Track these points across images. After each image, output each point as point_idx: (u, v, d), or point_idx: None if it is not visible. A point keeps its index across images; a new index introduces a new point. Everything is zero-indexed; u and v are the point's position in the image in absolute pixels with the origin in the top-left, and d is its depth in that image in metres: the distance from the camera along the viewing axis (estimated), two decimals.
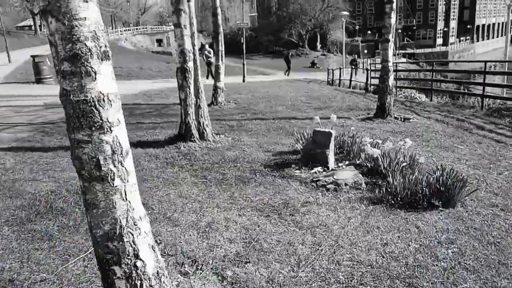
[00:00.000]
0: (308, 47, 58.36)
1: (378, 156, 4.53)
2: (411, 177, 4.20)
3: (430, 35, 74.60)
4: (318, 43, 59.92)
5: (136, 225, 2.12)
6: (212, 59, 18.91)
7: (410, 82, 16.80)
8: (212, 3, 10.80)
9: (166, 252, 3.13)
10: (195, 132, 6.45)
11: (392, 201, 3.99)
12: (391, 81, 8.50)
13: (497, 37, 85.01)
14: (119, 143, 2.03)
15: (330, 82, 24.44)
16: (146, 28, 66.54)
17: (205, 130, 6.55)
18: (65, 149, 6.38)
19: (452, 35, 76.89)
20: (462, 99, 11.46)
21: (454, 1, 77.20)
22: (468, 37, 76.53)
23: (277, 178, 4.75)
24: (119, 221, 2.07)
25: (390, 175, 4.22)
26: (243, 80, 22.19)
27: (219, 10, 10.71)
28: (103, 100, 1.96)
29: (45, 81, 17.48)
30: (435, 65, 13.20)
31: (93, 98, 1.93)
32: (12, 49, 29.59)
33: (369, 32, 73.49)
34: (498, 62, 21.56)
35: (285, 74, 30.11)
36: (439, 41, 74.49)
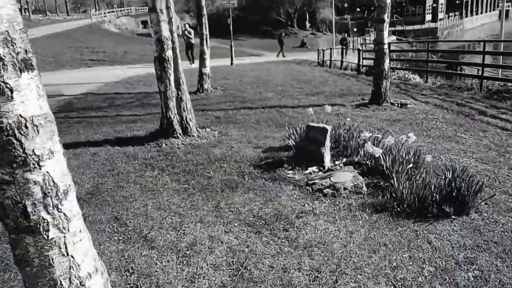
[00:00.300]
0: (297, 26, 57.22)
1: (380, 155, 4.05)
2: (418, 179, 3.75)
3: (419, 11, 73.72)
4: (307, 22, 58.75)
5: (83, 285, 1.62)
6: (193, 40, 17.98)
7: (403, 62, 16.29)
8: None
9: (139, 286, 2.66)
10: (177, 127, 5.91)
11: (398, 208, 3.54)
12: (386, 64, 7.99)
13: (486, 12, 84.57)
14: (53, 181, 1.52)
15: (321, 63, 23.83)
16: (130, 9, 64.66)
17: (188, 125, 6.00)
18: None
19: (441, 11, 76.19)
20: (459, 81, 11.02)
21: None
22: (457, 13, 75.92)
23: (268, 182, 4.27)
24: (59, 283, 1.57)
25: (395, 178, 3.75)
26: (231, 63, 21.48)
27: None
28: (25, 127, 1.43)
29: None
30: (428, 45, 12.63)
31: (10, 124, 1.40)
32: None
33: (358, 9, 72.34)
34: (494, 42, 21.00)
35: (277, 56, 29.53)
36: (428, 17, 73.79)
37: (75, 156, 5.43)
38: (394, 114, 7.26)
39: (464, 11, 78.13)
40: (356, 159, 4.65)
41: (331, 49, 21.77)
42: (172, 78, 5.78)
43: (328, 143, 4.59)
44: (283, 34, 32.81)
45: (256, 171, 4.57)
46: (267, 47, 42.05)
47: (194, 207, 3.75)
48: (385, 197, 3.73)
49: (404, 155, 4.19)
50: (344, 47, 25.30)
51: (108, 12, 57.21)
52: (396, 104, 7.95)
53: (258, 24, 55.68)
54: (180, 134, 5.92)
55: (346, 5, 69.19)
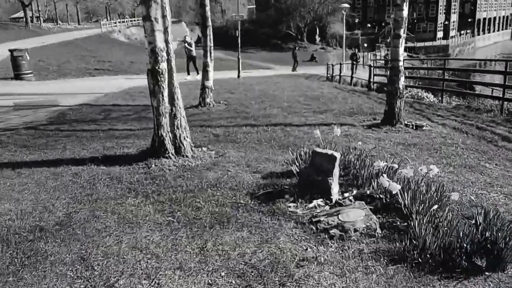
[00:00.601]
0: (306, 40, 57.07)
1: (398, 191, 3.46)
2: (443, 223, 3.14)
3: (430, 28, 73.50)
4: (317, 36, 58.58)
5: None
6: (194, 52, 17.68)
7: (415, 80, 15.68)
8: None
9: None
10: (169, 146, 5.36)
11: (419, 259, 2.93)
12: (401, 83, 7.42)
13: (498, 30, 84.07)
14: None
15: (330, 78, 23.37)
16: (140, 20, 64.95)
17: (182, 144, 5.45)
18: (13, 166, 5.31)
19: (453, 29, 76.01)
20: (476, 101, 10.40)
21: None
22: (469, 31, 75.61)
23: (265, 216, 3.68)
24: None
25: (416, 221, 3.15)
26: (238, 76, 21.10)
27: (207, 1, 9.57)
28: None
29: (24, 77, 16.37)
30: (439, 62, 11.99)
31: None
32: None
33: (369, 25, 72.25)
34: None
35: (293, 70, 29.64)
36: (440, 34, 73.60)
37: (54, 176, 4.90)
38: (409, 137, 6.66)
39: (476, 29, 77.85)
40: (368, 192, 4.05)
41: (341, 64, 21.26)
42: (166, 92, 5.26)
43: (336, 173, 4.00)
44: (297, 49, 32.86)
45: (252, 202, 3.99)
46: (276, 60, 41.85)
47: (176, 247, 3.17)
48: (403, 243, 3.13)
49: (425, 191, 3.59)
50: (354, 62, 24.86)
51: (119, 22, 57.53)
52: (410, 126, 7.35)
53: (267, 37, 55.65)
54: (172, 154, 5.37)
55: (357, 20, 69.14)
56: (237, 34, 21.82)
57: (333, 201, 3.94)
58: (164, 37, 5.13)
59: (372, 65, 15.88)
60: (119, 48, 37.47)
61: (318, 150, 4.12)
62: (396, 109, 7.39)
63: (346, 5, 30.43)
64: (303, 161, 4.62)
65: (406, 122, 7.50)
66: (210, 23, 9.81)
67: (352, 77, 18.61)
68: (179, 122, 5.42)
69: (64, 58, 24.67)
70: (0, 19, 67.35)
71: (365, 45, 56.86)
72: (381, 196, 3.87)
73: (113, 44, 40.69)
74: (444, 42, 69.49)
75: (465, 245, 2.88)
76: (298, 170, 4.48)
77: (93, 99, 11.30)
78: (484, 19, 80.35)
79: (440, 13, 73.58)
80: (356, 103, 10.58)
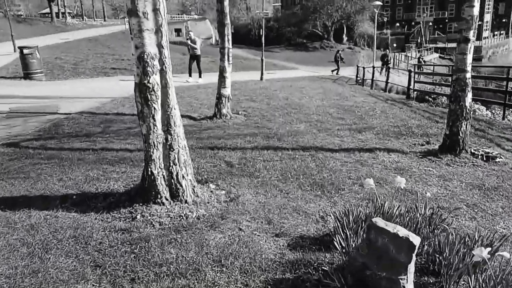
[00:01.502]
0: (333, 40, 54.97)
1: None
2: None
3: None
4: (344, 36, 56.40)
5: None
6: (199, 51, 15.77)
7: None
8: None
9: None
10: (162, 188, 3.95)
11: None
12: (468, 100, 5.78)
13: None
14: None
15: (360, 81, 21.61)
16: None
17: (180, 185, 4.03)
18: None
19: (486, 29, 72.82)
20: None
21: None
22: (503, 32, 72.29)
23: None
24: None
25: None
26: (261, 78, 19.65)
27: None
28: None
29: (34, 77, 15.38)
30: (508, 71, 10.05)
31: None
32: (23, 37, 27.97)
33: (397, 24, 69.78)
34: None
35: (332, 72, 27.74)
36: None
37: (3, 229, 3.56)
38: (483, 176, 5.02)
39: (510, 30, 74.42)
40: None
41: (373, 67, 19.47)
42: (158, 116, 3.84)
43: (412, 268, 2.48)
44: (340, 51, 30.59)
45: None
46: (300, 60, 40.17)
47: None
48: None
49: None
50: (385, 64, 23.03)
51: None
52: (479, 156, 5.71)
53: (292, 36, 53.96)
54: (166, 199, 3.95)
55: (385, 19, 66.85)
56: (261, 33, 20.31)
57: None
58: (157, 39, 3.71)
59: (412, 70, 14.08)
60: None
61: (380, 224, 2.61)
62: (460, 134, 5.77)
63: (378, 2, 28.38)
64: (351, 230, 3.11)
65: (472, 150, 5.86)
66: (228, 20, 8.36)
67: (387, 83, 16.81)
68: (176, 155, 4.00)
69: (83, 56, 23.76)
70: (29, 14, 68.01)
71: (395, 45, 54.51)
72: None
73: None
74: (477, 43, 66.37)
75: None
76: (343, 245, 2.98)
77: (97, 106, 10.04)
78: None
79: None
80: (400, 118, 8.93)
